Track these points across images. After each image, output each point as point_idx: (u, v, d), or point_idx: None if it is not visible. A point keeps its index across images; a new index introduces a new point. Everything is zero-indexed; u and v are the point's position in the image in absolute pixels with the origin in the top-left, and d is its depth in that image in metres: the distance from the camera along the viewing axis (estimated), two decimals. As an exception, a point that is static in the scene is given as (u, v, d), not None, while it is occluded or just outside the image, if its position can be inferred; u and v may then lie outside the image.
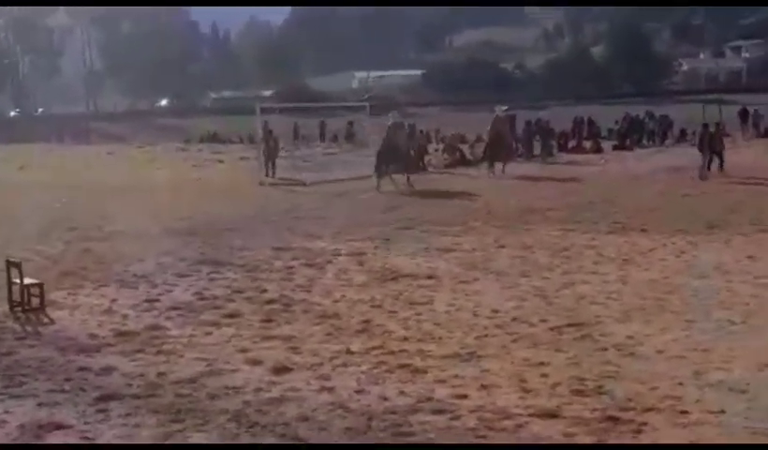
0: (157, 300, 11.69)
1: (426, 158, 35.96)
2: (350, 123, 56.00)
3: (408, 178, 28.13)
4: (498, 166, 31.43)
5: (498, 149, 32.36)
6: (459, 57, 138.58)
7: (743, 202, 21.20)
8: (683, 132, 48.64)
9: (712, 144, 28.75)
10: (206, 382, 8.23)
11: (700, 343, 9.18)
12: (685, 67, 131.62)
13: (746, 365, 8.40)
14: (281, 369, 8.58)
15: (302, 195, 26.22)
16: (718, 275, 12.77)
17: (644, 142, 45.36)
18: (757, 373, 8.15)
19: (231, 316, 10.79)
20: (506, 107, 39.07)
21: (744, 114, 52.49)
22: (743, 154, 36.67)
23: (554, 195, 24.05)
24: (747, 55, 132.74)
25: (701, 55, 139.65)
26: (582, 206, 21.31)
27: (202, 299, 11.75)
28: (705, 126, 30.79)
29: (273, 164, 32.77)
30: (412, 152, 32.48)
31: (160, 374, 8.51)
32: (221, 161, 40.74)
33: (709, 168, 28.04)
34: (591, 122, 50.83)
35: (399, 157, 29.04)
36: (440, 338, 9.60)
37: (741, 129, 51.13)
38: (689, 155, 36.23)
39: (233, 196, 25.91)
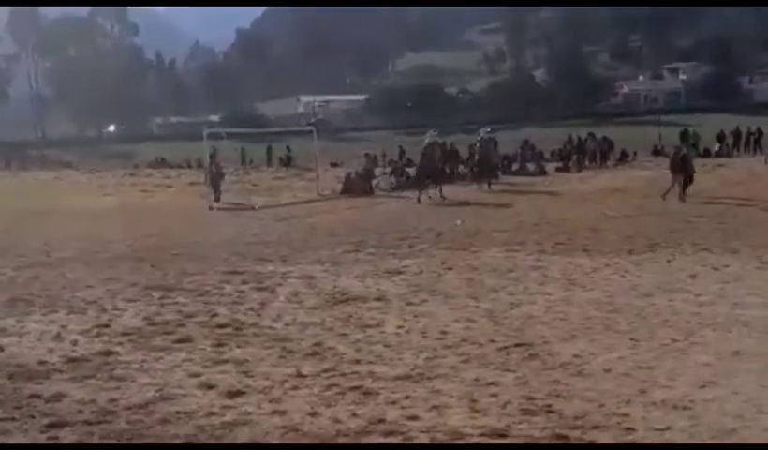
0: (107, 325, 11.58)
1: (374, 182, 36.12)
2: (288, 147, 56.48)
3: (441, 190, 31.18)
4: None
5: (486, 168, 35.02)
6: (402, 82, 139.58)
7: (683, 222, 21.56)
8: (623, 153, 49.35)
9: (686, 167, 28.56)
10: (158, 408, 8.20)
11: (644, 361, 9.38)
12: (625, 90, 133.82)
13: (690, 382, 8.60)
14: (233, 393, 8.58)
15: (252, 219, 26.16)
16: (661, 293, 13.00)
17: (587, 163, 45.90)
18: (699, 390, 8.35)
19: (182, 341, 10.72)
20: (489, 128, 40.44)
21: (684, 135, 53.45)
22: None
23: (500, 216, 24.29)
24: (685, 77, 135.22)
25: (641, 77, 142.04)
26: (526, 227, 21.56)
27: (153, 324, 11.67)
28: (678, 148, 31.17)
29: (218, 189, 32.74)
30: (447, 168, 36.21)
31: (111, 400, 8.43)
32: (170, 186, 40.57)
33: (684, 190, 27.82)
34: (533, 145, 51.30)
35: (435, 171, 32.43)
36: (391, 360, 9.69)
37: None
38: (630, 176, 36.97)
39: (183, 221, 25.83)
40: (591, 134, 50.94)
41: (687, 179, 28.29)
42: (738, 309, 11.75)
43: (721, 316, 11.40)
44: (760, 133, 53.71)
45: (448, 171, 36.52)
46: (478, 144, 37.13)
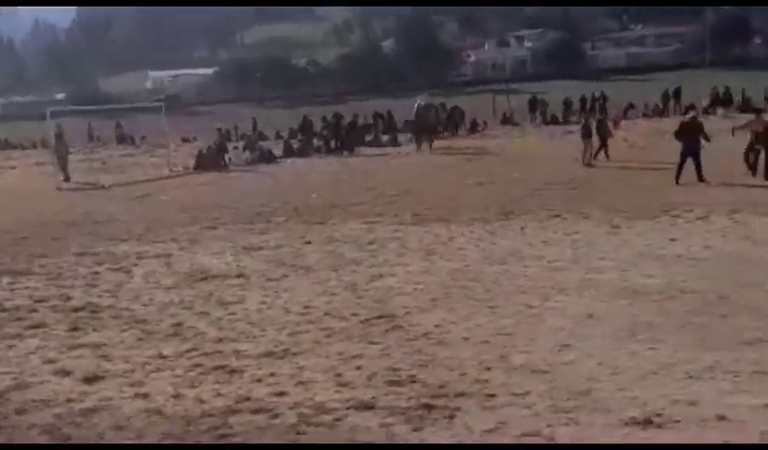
0: (-46, 314, 11.18)
1: (227, 156, 35.75)
2: (119, 124, 55.59)
3: (431, 144, 38.01)
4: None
5: (423, 130, 39.63)
6: (251, 54, 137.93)
7: (534, 190, 21.98)
8: (474, 123, 50.03)
9: (600, 131, 29.12)
10: (13, 397, 8.00)
11: (503, 328, 9.60)
12: (472, 58, 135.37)
13: (546, 346, 8.85)
14: (92, 379, 8.42)
15: (103, 198, 25.57)
16: (516, 261, 13.30)
17: (439, 133, 46.25)
18: (556, 354, 8.60)
19: (36, 326, 10.45)
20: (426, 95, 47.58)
21: (533, 103, 54.61)
22: (531, 140, 38.61)
23: (357, 188, 24.37)
24: (530, 44, 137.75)
25: (487, 46, 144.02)
26: (384, 199, 21.69)
27: (3, 310, 11.33)
28: (587, 114, 31.90)
29: (65, 168, 31.89)
30: (440, 127, 44.32)
31: (-37, 391, 8.14)
32: (14, 168, 39.33)
33: (597, 154, 28.51)
34: (387, 116, 51.49)
35: (428, 128, 39.83)
36: (254, 337, 9.64)
37: (530, 117, 53.28)
38: (481, 145, 37.60)
39: (30, 202, 24.89)
40: (442, 104, 51.49)
41: (602, 143, 28.96)
42: (590, 274, 12.13)
43: (574, 281, 11.75)
44: (605, 98, 55.26)
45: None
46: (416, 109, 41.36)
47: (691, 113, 25.09)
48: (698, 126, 22.74)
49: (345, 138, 40.77)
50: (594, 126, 29.24)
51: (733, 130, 23.03)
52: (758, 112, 25.29)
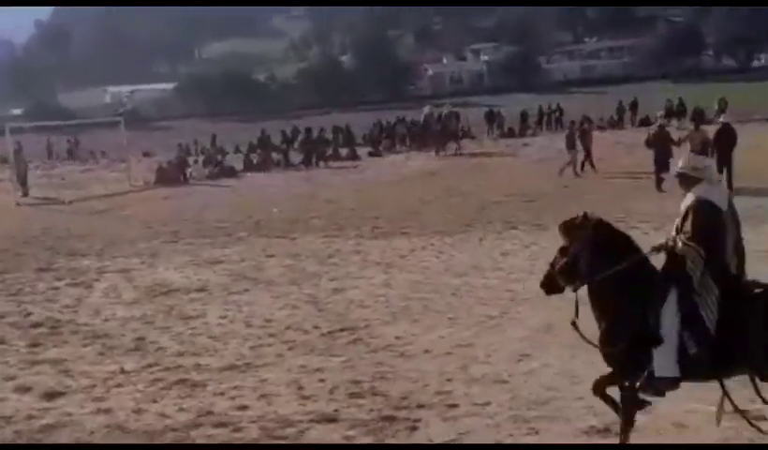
0: None
1: (188, 171, 35.60)
2: (71, 139, 55.08)
3: (457, 149, 40.73)
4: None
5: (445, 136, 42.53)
6: (210, 70, 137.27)
7: (492, 202, 22.07)
8: (433, 137, 50.03)
9: (584, 141, 28.83)
10: (-27, 414, 7.90)
11: (463, 339, 9.68)
12: (430, 72, 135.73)
13: (506, 357, 8.93)
14: (52, 394, 8.40)
15: (63, 214, 25.35)
16: (475, 272, 13.38)
17: (397, 147, 46.27)
18: (516, 364, 8.68)
19: (-5, 343, 10.39)
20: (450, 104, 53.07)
21: (490, 116, 54.81)
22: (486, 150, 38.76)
23: (317, 203, 24.37)
24: (487, 58, 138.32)
25: (445, 60, 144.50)
26: (344, 213, 21.71)
27: (-37, 328, 11.24)
28: (573, 123, 31.78)
29: (25, 184, 31.69)
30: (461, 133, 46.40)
31: None
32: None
33: (583, 165, 28.36)
34: (346, 130, 51.42)
35: (450, 135, 42.77)
36: (216, 351, 9.66)
37: (487, 130, 53.45)
38: (440, 158, 37.63)
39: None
40: (400, 118, 51.54)
41: (587, 154, 28.70)
42: (548, 284, 12.19)
43: (533, 291, 11.74)
44: (561, 111, 55.50)
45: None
46: (439, 116, 46.29)
47: (659, 122, 25.36)
48: (665, 134, 23.09)
49: (307, 152, 40.72)
50: (577, 136, 28.98)
51: (679, 140, 23.36)
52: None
